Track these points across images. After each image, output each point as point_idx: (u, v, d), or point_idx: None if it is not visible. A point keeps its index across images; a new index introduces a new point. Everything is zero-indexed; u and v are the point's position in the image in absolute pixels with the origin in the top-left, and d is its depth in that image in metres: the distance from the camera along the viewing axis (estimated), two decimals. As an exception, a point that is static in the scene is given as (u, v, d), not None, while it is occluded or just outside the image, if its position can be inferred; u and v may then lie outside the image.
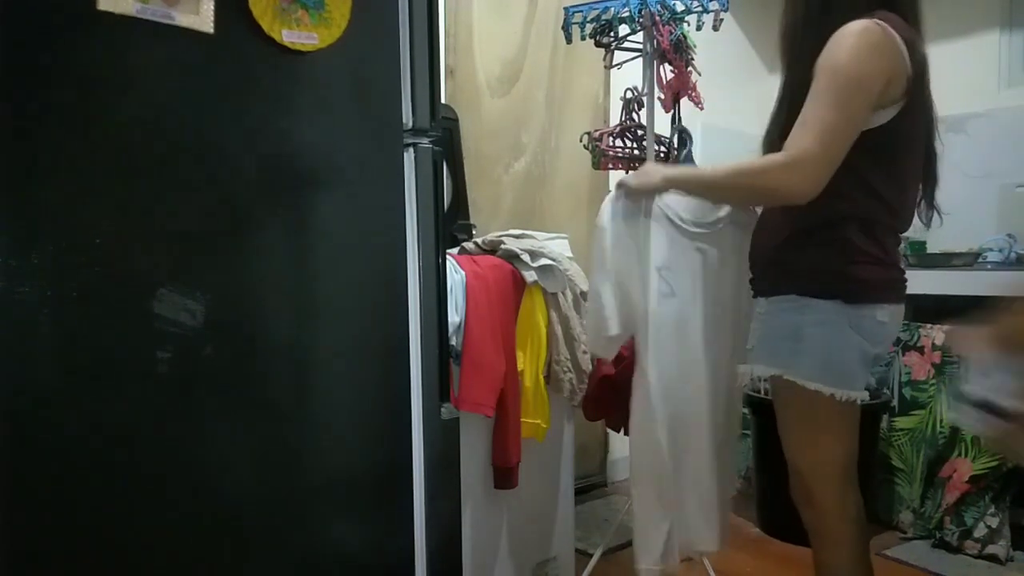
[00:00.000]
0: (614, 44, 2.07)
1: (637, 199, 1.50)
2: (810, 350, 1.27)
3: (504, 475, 1.74)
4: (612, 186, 2.88)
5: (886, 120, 1.23)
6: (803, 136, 1.20)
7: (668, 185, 1.43)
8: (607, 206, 1.52)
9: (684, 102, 2.05)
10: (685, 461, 1.60)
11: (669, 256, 1.54)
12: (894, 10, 1.25)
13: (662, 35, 1.90)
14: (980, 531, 2.24)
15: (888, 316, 1.28)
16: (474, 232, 2.12)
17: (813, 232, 1.29)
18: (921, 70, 1.24)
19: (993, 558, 2.21)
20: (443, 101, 2.46)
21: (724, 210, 1.58)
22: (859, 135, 1.21)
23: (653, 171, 1.44)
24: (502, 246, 1.79)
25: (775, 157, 1.22)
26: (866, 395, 1.30)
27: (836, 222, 1.27)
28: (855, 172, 1.24)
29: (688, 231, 1.56)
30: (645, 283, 1.52)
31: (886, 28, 1.20)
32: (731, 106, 2.92)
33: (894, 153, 1.26)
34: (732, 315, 1.60)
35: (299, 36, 1.04)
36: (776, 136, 1.32)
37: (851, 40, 1.19)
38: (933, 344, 2.41)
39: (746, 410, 2.39)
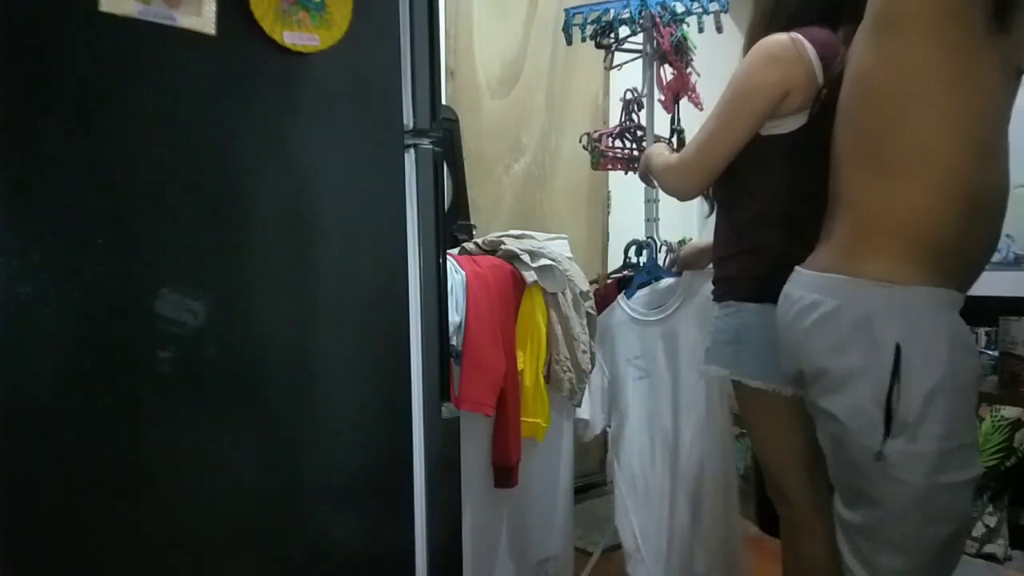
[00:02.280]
0: (614, 45, 2.08)
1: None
2: (748, 351, 1.34)
3: (504, 474, 1.75)
4: (612, 186, 2.89)
5: (795, 127, 1.28)
6: (689, 144, 1.37)
7: (644, 163, 1.64)
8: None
9: (684, 103, 2.05)
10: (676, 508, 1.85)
11: (639, 346, 1.85)
12: (837, 25, 1.28)
13: (663, 37, 1.90)
14: (978, 530, 2.24)
15: None
16: (474, 232, 2.12)
17: (742, 238, 1.37)
18: (835, 88, 1.24)
19: (991, 557, 2.22)
20: (443, 102, 2.46)
21: (675, 295, 1.82)
22: (773, 141, 1.29)
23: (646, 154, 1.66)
24: (502, 246, 1.79)
25: (669, 161, 1.42)
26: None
27: (760, 225, 1.33)
28: (774, 176, 1.31)
29: (649, 321, 1.85)
30: (620, 372, 1.90)
31: (798, 42, 1.25)
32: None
33: (813, 157, 1.27)
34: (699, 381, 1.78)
35: (300, 38, 1.05)
36: None
37: (753, 55, 1.29)
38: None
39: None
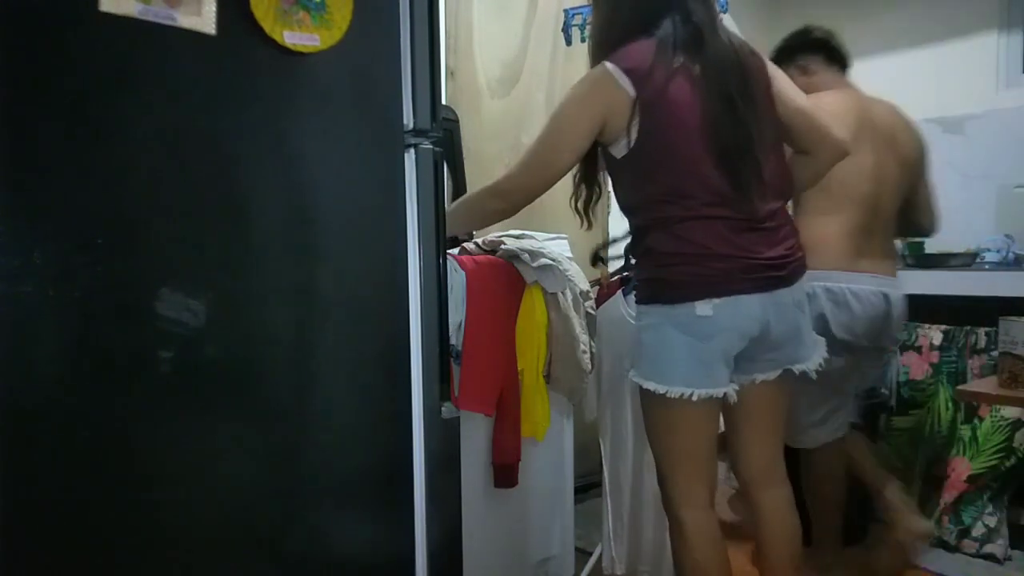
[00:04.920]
0: (613, 45, 2.08)
1: None
2: (643, 352, 1.39)
3: (505, 473, 1.75)
4: (612, 187, 2.87)
5: (632, 146, 1.33)
6: (511, 168, 1.48)
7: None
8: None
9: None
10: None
11: (627, 346, 1.78)
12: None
13: (661, 36, 1.90)
14: (978, 530, 2.24)
15: (712, 309, 1.30)
16: (474, 232, 2.12)
17: (633, 248, 1.45)
18: (658, 92, 1.30)
19: (991, 557, 2.22)
20: (443, 102, 2.46)
21: None
22: (623, 160, 1.35)
23: None
24: (502, 246, 1.79)
25: (489, 184, 1.50)
26: (710, 392, 1.34)
27: (642, 233, 1.39)
28: (640, 189, 1.38)
29: (636, 325, 1.81)
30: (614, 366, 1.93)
31: (607, 70, 1.32)
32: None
33: (664, 163, 1.33)
34: None
35: (300, 38, 1.05)
36: None
37: (569, 93, 1.40)
38: (931, 344, 2.42)
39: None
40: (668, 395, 1.33)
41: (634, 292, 1.50)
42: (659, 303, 1.35)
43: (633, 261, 1.51)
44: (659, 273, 1.35)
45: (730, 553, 1.47)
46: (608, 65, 1.33)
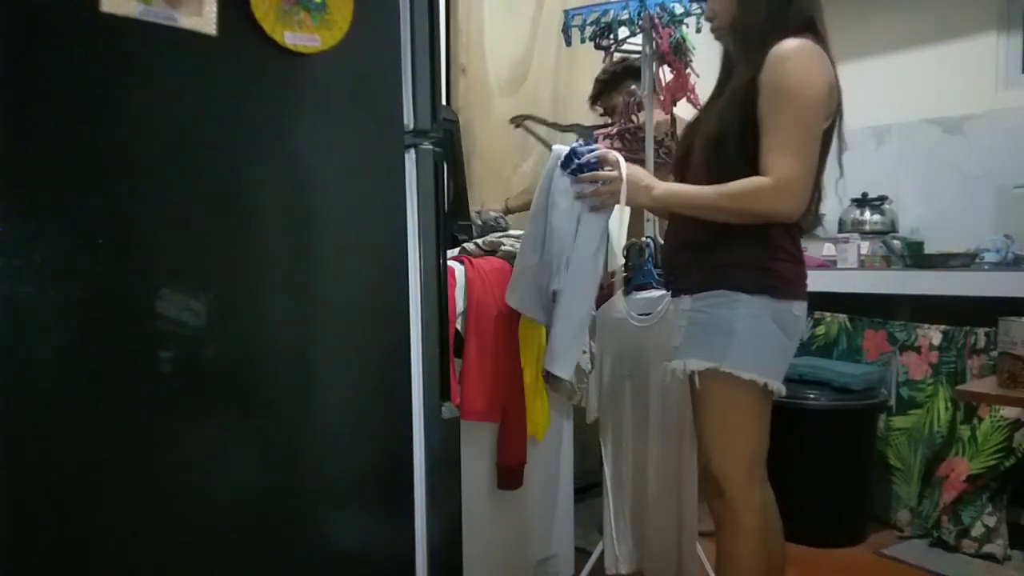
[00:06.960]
0: (614, 47, 2.08)
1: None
2: (742, 342, 1.32)
3: (509, 475, 1.75)
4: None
5: (824, 127, 1.33)
6: (784, 161, 1.26)
7: (656, 204, 1.50)
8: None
9: (683, 104, 2.06)
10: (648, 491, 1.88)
11: (627, 347, 1.84)
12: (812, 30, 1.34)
13: (661, 38, 1.90)
14: (977, 530, 2.24)
15: (801, 311, 1.36)
16: (475, 232, 2.12)
17: (741, 230, 1.34)
18: (840, 98, 1.34)
19: (990, 557, 2.22)
20: (455, 99, 2.47)
21: (661, 305, 1.75)
22: None
23: (644, 188, 1.44)
24: (502, 247, 1.80)
25: (762, 182, 1.27)
26: (783, 389, 1.36)
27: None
28: None
29: (635, 325, 1.81)
30: (612, 367, 1.90)
31: (824, 54, 1.30)
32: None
33: (820, 163, 1.35)
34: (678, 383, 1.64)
35: (301, 38, 1.05)
36: (720, 128, 1.34)
37: (799, 60, 1.27)
38: (930, 344, 2.42)
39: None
40: (771, 389, 1.33)
41: (703, 280, 1.38)
42: (766, 295, 1.31)
43: (712, 239, 1.38)
44: (774, 265, 1.32)
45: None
46: (820, 49, 1.29)
